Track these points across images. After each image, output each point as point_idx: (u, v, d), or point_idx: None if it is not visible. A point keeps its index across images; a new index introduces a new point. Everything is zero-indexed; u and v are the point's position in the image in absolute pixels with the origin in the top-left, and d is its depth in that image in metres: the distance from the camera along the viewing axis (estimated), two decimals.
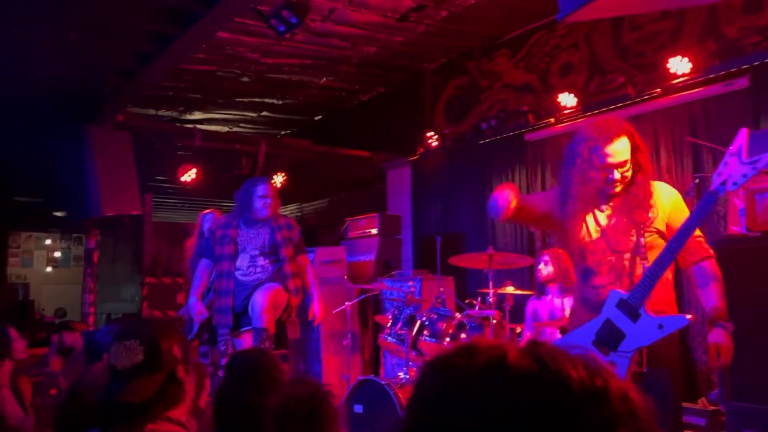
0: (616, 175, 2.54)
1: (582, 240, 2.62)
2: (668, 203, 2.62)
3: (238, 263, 4.38)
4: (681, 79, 5.11)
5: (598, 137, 2.55)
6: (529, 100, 6.48)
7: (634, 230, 2.53)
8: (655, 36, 5.45)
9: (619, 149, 2.53)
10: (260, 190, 4.49)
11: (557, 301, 4.52)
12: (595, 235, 2.61)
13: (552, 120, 6.14)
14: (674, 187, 5.16)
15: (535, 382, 0.63)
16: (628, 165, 2.56)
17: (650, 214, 2.56)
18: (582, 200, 2.61)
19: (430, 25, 6.51)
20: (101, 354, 2.46)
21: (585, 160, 2.57)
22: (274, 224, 4.43)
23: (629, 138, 2.58)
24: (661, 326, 2.39)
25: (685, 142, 5.16)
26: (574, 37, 6.05)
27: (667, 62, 5.08)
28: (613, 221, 2.59)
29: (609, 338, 2.45)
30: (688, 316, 2.46)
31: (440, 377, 0.69)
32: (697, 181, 4.79)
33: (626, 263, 2.54)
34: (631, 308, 2.43)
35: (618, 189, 2.58)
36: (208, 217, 5.16)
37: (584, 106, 5.84)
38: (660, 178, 5.31)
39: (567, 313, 4.40)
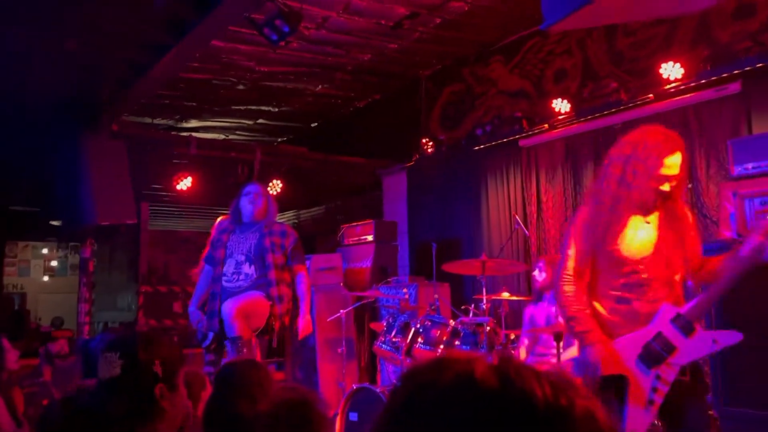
0: (667, 187, 2.56)
1: (631, 252, 2.59)
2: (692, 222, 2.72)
3: (224, 269, 4.35)
4: (673, 85, 5.13)
5: (662, 146, 2.56)
6: (523, 106, 6.49)
7: (682, 246, 2.58)
8: (648, 41, 5.47)
9: (677, 162, 2.56)
10: (246, 189, 4.50)
11: (553, 308, 4.52)
12: (647, 248, 2.59)
13: (546, 126, 6.15)
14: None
15: (500, 400, 0.64)
16: (678, 179, 2.60)
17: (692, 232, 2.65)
18: (626, 203, 2.60)
19: (424, 32, 6.54)
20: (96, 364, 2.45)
21: (641, 164, 2.57)
22: (266, 230, 4.36)
23: (683, 154, 2.61)
24: (715, 341, 2.48)
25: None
26: (568, 43, 6.07)
27: (660, 67, 5.10)
28: (663, 236, 2.60)
29: (659, 352, 2.49)
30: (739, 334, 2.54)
31: (409, 391, 0.69)
32: (689, 186, 4.80)
33: (677, 278, 2.59)
34: (686, 323, 2.48)
35: (662, 201, 2.61)
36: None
37: (578, 112, 5.86)
38: None
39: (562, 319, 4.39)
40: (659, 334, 2.51)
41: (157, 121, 8.82)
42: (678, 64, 5.03)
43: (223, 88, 7.77)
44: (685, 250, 2.59)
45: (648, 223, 2.62)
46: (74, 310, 7.40)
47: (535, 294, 4.84)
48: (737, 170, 3.63)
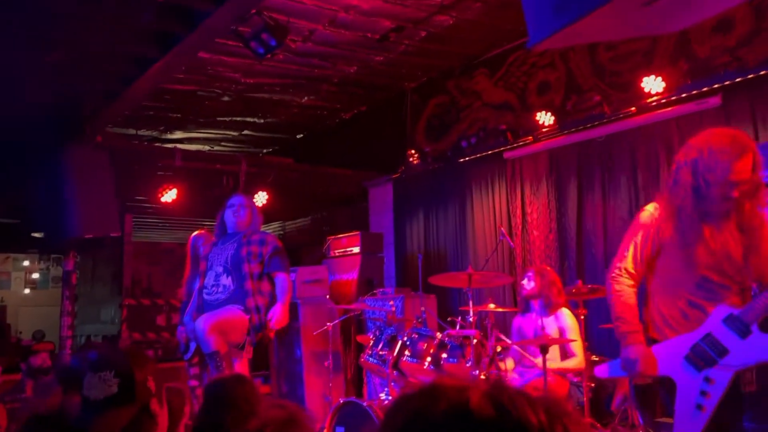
0: (735, 192, 2.46)
1: (704, 258, 2.51)
2: None
3: (205, 281, 4.33)
4: (655, 98, 5.21)
5: (729, 151, 2.44)
6: (508, 118, 6.55)
7: (757, 253, 2.49)
8: (630, 55, 5.55)
9: (746, 166, 2.45)
10: (230, 201, 4.49)
11: (542, 322, 4.53)
12: (722, 255, 2.50)
13: (530, 138, 6.22)
14: (649, 204, 5.30)
15: (496, 430, 0.65)
16: (749, 182, 2.48)
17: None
18: (699, 211, 2.52)
19: (410, 45, 6.59)
20: (76, 382, 2.43)
21: (710, 173, 2.47)
22: (245, 239, 4.32)
23: (753, 155, 2.48)
24: None
25: (660, 159, 5.25)
26: (551, 56, 6.15)
27: (642, 81, 5.18)
28: (738, 242, 2.50)
29: (707, 352, 2.42)
30: None
31: (403, 420, 0.70)
32: None
33: (752, 285, 2.49)
34: (741, 325, 2.40)
35: (736, 205, 2.50)
36: (201, 238, 5.11)
37: (561, 125, 5.93)
38: (637, 196, 5.42)
39: (550, 331, 4.41)
40: (709, 335, 2.44)
41: (141, 132, 8.77)
42: (659, 78, 5.12)
43: (209, 99, 7.76)
44: (759, 257, 2.48)
45: (722, 229, 2.52)
46: (56, 324, 7.31)
47: (522, 303, 4.85)
48: None
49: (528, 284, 4.69)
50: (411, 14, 5.90)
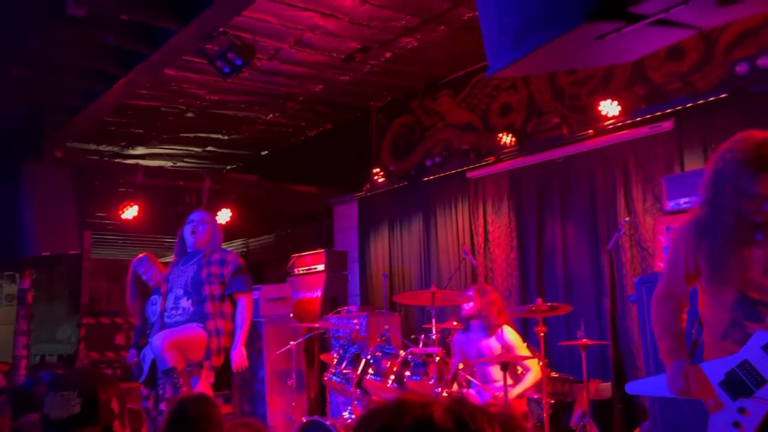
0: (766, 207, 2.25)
1: (738, 275, 2.32)
2: None
3: (166, 304, 4.25)
4: (611, 122, 5.39)
5: (755, 158, 2.23)
6: (470, 138, 6.68)
7: None
8: (588, 79, 5.74)
9: None
10: (190, 218, 4.40)
11: (484, 342, 4.51)
12: (756, 271, 2.30)
13: (492, 158, 6.35)
14: (607, 225, 5.45)
15: None
16: None
17: None
18: (722, 228, 2.34)
19: (375, 65, 6.68)
20: (28, 404, 2.39)
21: (729, 183, 2.30)
22: (205, 260, 4.22)
23: None
24: None
25: (617, 180, 5.42)
26: (513, 79, 6.31)
27: (599, 105, 5.36)
28: None
29: (744, 381, 2.24)
30: None
31: None
32: (627, 219, 5.03)
33: None
34: None
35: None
36: (142, 261, 5.03)
37: (522, 146, 6.07)
38: (594, 215, 5.57)
39: (496, 351, 4.40)
40: (746, 362, 2.25)
41: (102, 147, 8.64)
42: (615, 102, 5.30)
43: (172, 115, 7.70)
44: None
45: (756, 243, 2.31)
46: (10, 343, 7.09)
47: (462, 322, 4.77)
48: (670, 205, 3.84)
49: (467, 304, 4.62)
50: (376, 36, 6.00)
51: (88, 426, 1.77)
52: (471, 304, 4.59)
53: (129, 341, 6.91)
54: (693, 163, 4.92)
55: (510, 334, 4.51)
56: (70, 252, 5.80)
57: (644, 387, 2.69)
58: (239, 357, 4.14)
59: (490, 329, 4.53)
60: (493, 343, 4.47)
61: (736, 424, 2.23)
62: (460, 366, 4.28)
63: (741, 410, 2.23)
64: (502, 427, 0.72)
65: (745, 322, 2.31)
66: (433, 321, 4.37)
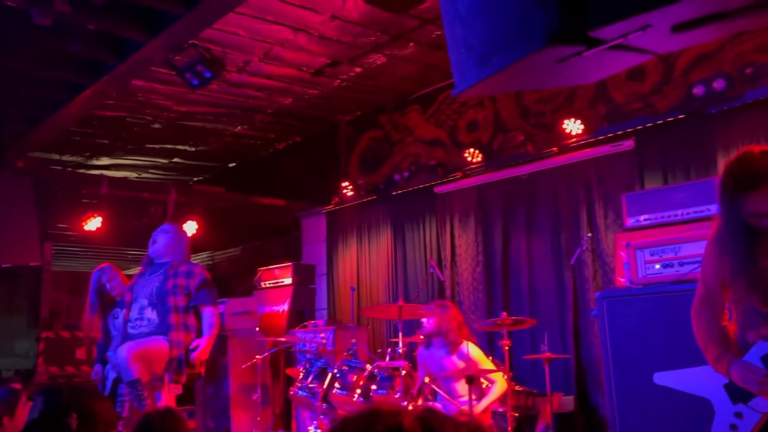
0: (763, 223, 2.24)
1: (756, 287, 2.31)
2: None
3: (130, 314, 4.21)
4: (575, 139, 5.52)
5: (743, 178, 2.20)
6: (438, 154, 6.76)
7: None
8: (553, 98, 5.88)
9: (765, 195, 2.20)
10: (154, 233, 4.42)
11: (447, 360, 4.51)
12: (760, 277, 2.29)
13: (460, 174, 6.43)
14: (570, 241, 5.56)
15: None
16: None
17: None
18: (747, 245, 2.29)
19: (345, 80, 6.72)
20: None
21: (722, 206, 2.30)
22: (171, 271, 4.21)
23: None
24: None
25: (580, 197, 5.54)
26: (480, 97, 6.41)
27: (563, 123, 5.49)
28: None
29: (741, 389, 2.28)
30: None
31: None
32: (589, 234, 5.14)
33: None
34: None
35: None
36: (105, 271, 4.94)
37: (489, 162, 6.17)
38: (558, 231, 5.68)
39: (459, 365, 4.39)
40: None
41: (65, 157, 8.48)
42: (579, 121, 5.43)
43: (138, 126, 7.62)
44: None
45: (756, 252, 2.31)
46: None
47: (425, 338, 4.75)
48: (630, 222, 3.94)
49: (427, 321, 4.60)
50: (346, 51, 6.05)
51: None
52: (431, 320, 4.55)
53: (90, 355, 6.76)
54: (653, 181, 5.07)
55: (473, 349, 4.51)
56: (31, 264, 5.67)
57: (676, 380, 2.60)
58: (203, 346, 4.08)
59: (452, 346, 4.51)
60: (456, 360, 4.46)
61: (732, 427, 2.30)
62: (426, 379, 4.30)
63: (738, 414, 2.29)
64: None
65: (746, 332, 2.35)
66: (400, 335, 4.39)
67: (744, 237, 2.30)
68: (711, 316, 2.48)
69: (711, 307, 2.49)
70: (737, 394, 2.31)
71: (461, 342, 4.53)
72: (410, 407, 4.02)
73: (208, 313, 4.17)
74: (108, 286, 4.82)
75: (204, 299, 4.18)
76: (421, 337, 4.84)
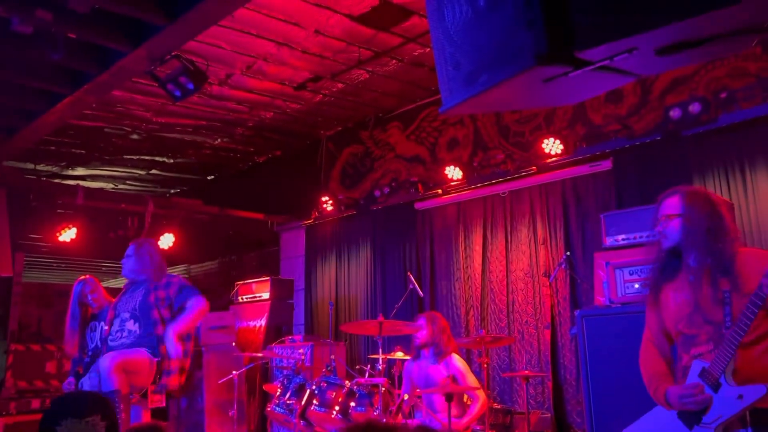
0: (668, 242, 2.51)
1: (675, 310, 2.48)
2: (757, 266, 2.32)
3: (111, 329, 4.18)
4: (554, 159, 5.59)
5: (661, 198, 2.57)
6: (419, 170, 6.79)
7: (722, 298, 2.36)
8: (532, 118, 5.96)
9: (666, 211, 2.52)
10: (128, 250, 4.40)
11: (433, 368, 4.52)
12: (687, 305, 2.45)
13: (440, 191, 6.46)
14: (547, 258, 5.61)
15: None
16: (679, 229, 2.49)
17: (738, 282, 2.35)
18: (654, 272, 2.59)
19: (327, 95, 6.74)
20: None
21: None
22: (152, 285, 4.22)
23: (681, 196, 2.54)
24: (740, 396, 2.23)
25: (558, 216, 5.60)
26: (460, 115, 6.47)
27: (542, 142, 5.56)
28: (701, 290, 2.41)
29: (689, 413, 2.33)
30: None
31: None
32: (568, 253, 5.19)
33: (723, 331, 2.34)
34: (712, 378, 2.30)
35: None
36: (87, 284, 4.86)
37: (468, 179, 6.21)
38: (536, 249, 5.72)
39: (439, 379, 4.39)
40: None
41: (40, 167, 8.34)
42: (558, 141, 5.50)
43: (116, 136, 7.53)
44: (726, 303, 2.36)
45: (684, 280, 2.49)
46: None
47: (414, 351, 4.75)
48: (609, 241, 3.99)
49: (420, 333, 4.61)
50: (328, 66, 6.07)
51: None
52: (423, 332, 4.56)
53: (60, 369, 6.61)
54: (630, 201, 5.14)
55: (458, 362, 4.52)
56: (2, 275, 5.54)
57: (643, 428, 2.63)
58: (171, 346, 4.01)
59: (440, 356, 4.52)
60: (441, 370, 4.46)
61: None
62: (405, 397, 4.27)
63: None
64: None
65: (684, 358, 2.46)
66: (380, 351, 4.37)
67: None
68: (651, 354, 2.61)
69: (652, 346, 2.62)
70: (688, 418, 2.36)
71: (450, 352, 4.54)
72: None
73: (194, 300, 4.15)
74: (90, 297, 4.76)
75: (188, 294, 4.19)
76: (399, 354, 4.82)
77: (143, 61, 4.21)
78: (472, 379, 4.49)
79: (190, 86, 4.21)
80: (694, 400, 2.33)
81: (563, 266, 4.94)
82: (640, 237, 3.85)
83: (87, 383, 4.21)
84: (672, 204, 2.55)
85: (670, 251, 2.53)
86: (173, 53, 4.20)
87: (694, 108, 4.71)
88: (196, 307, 4.14)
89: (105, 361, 3.83)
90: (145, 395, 3.95)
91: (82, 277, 4.85)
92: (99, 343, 4.21)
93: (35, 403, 6.33)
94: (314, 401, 4.22)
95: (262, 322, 6.86)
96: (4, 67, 4.53)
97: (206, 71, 4.47)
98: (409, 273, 6.40)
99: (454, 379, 4.39)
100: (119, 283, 7.81)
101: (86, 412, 1.72)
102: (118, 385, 3.76)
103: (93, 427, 1.71)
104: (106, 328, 4.17)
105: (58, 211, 6.67)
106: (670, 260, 2.55)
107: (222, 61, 5.81)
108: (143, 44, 4.10)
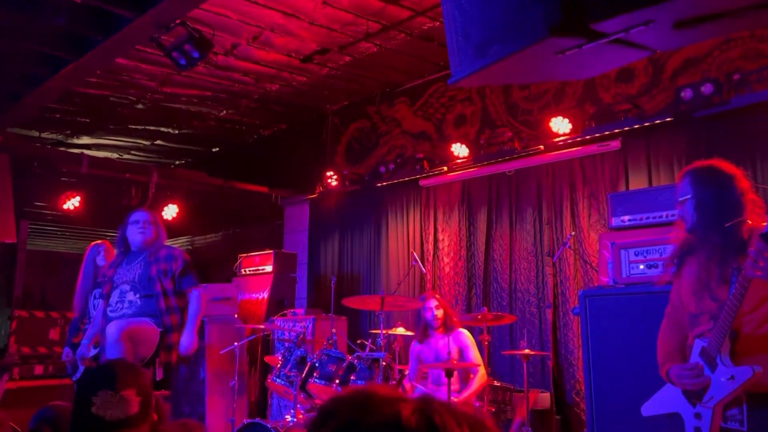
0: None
1: (687, 287, 2.48)
2: None
3: (110, 300, 4.15)
4: (562, 138, 5.52)
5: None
6: (425, 147, 6.74)
7: (729, 277, 2.33)
8: (541, 96, 5.88)
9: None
10: (133, 217, 4.32)
11: (442, 342, 4.60)
12: (698, 282, 2.43)
13: (445, 168, 6.41)
14: (553, 239, 5.58)
15: None
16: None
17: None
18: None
19: (334, 68, 6.66)
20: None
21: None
22: (152, 257, 4.16)
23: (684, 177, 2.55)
24: (732, 377, 2.22)
25: (564, 196, 5.55)
26: (469, 91, 6.41)
27: (550, 121, 5.49)
28: (710, 269, 2.39)
29: (693, 391, 2.35)
30: (756, 367, 2.20)
31: (336, 428, 0.72)
32: (573, 233, 5.16)
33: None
34: (710, 357, 2.30)
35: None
36: (102, 249, 4.87)
37: (475, 157, 6.16)
38: (541, 229, 5.69)
39: (453, 353, 4.48)
40: None
41: (45, 135, 8.31)
42: (566, 120, 5.44)
43: (121, 105, 7.48)
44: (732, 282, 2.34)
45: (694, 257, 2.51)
46: None
47: (421, 331, 4.81)
48: (615, 222, 3.95)
49: (437, 311, 4.69)
50: (336, 39, 5.99)
51: (142, 425, 1.71)
52: (440, 311, 4.68)
53: (64, 336, 6.65)
54: (638, 182, 5.10)
55: (466, 336, 4.67)
56: (7, 241, 5.55)
57: (657, 404, 2.61)
58: (190, 342, 4.06)
59: (450, 330, 4.65)
60: (451, 343, 4.52)
61: (697, 429, 2.34)
62: (405, 372, 4.29)
63: (697, 416, 2.34)
64: (470, 428, 0.71)
65: (690, 337, 2.46)
66: (381, 326, 4.37)
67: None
68: (666, 329, 2.60)
69: (669, 321, 2.61)
70: (691, 396, 2.38)
71: (457, 326, 4.69)
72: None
73: (196, 294, 4.16)
74: (100, 257, 4.78)
75: (189, 282, 4.17)
76: (400, 330, 4.83)
77: (149, 27, 4.15)
78: (475, 354, 4.55)
79: (195, 54, 4.15)
80: (692, 381, 2.34)
81: (568, 246, 4.91)
82: (647, 218, 3.80)
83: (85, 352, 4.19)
84: (683, 187, 2.54)
85: (691, 231, 2.52)
86: (179, 20, 4.14)
87: (706, 89, 4.63)
88: (199, 299, 4.18)
89: (111, 329, 3.82)
90: (146, 364, 3.94)
91: (98, 241, 4.88)
92: (100, 315, 4.19)
93: (38, 369, 6.39)
94: (315, 374, 4.24)
95: (265, 294, 6.88)
96: (8, 32, 4.48)
97: (212, 40, 4.40)
98: (412, 251, 6.40)
99: (461, 352, 4.49)
100: None
101: (123, 386, 1.70)
102: (124, 353, 3.75)
103: (127, 402, 1.68)
104: (104, 302, 4.15)
105: (63, 179, 6.66)
106: (692, 240, 2.54)
107: (228, 31, 5.73)
108: (149, 10, 4.03)
